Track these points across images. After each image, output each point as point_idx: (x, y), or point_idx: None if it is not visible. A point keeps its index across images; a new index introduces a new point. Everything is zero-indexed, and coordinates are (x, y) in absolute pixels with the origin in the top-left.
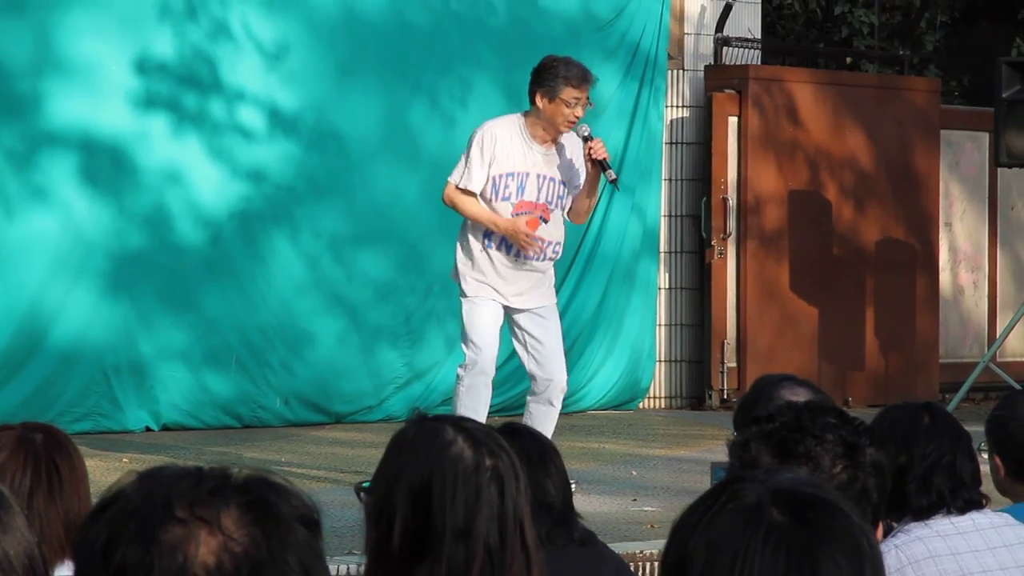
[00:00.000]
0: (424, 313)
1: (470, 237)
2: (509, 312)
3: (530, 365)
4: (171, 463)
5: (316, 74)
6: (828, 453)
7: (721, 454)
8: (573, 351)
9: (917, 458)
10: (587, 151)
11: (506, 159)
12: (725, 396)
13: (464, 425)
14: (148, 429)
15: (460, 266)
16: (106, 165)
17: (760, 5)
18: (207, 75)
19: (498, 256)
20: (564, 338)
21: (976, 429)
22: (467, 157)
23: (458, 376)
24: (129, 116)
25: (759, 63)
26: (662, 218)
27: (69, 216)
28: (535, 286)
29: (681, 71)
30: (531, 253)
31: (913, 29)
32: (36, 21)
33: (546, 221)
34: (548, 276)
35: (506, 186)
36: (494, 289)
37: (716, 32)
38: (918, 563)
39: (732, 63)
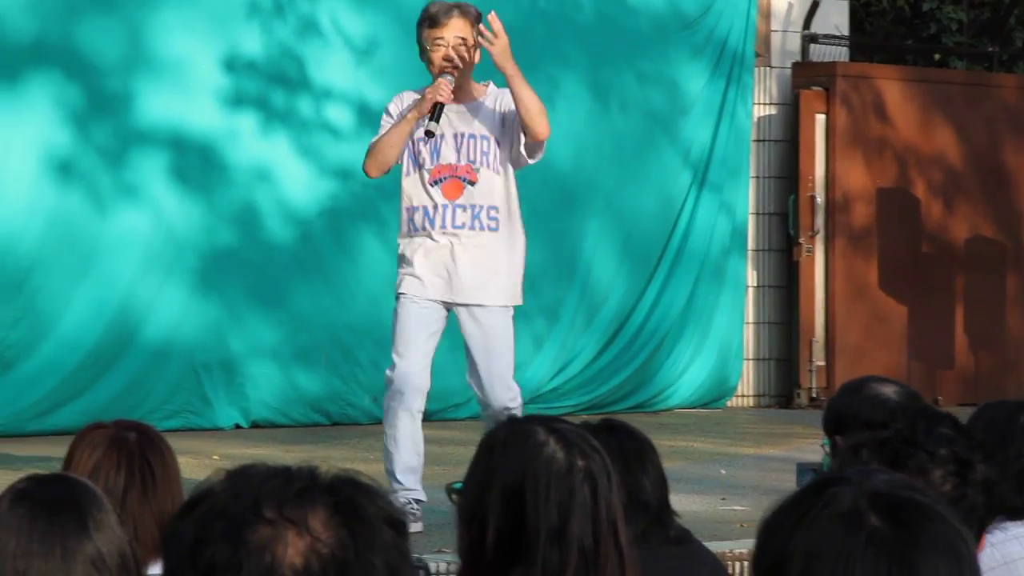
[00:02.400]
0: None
1: (401, 225)
2: (454, 311)
3: (469, 378)
4: (260, 461)
5: (405, 70)
6: (940, 469)
7: (810, 453)
8: (662, 349)
9: (1012, 457)
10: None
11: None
12: (814, 395)
13: (555, 426)
14: (238, 426)
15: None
16: (196, 163)
17: (847, 2)
18: (295, 72)
19: (429, 233)
20: (653, 336)
21: None
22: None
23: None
24: (218, 114)
25: (847, 60)
26: (750, 216)
27: (160, 213)
28: (480, 275)
29: (768, 68)
30: (444, 97)
31: (1002, 25)
32: (127, 19)
33: (472, 183)
34: (502, 270)
35: (419, 152)
36: (425, 281)
37: (803, 29)
38: (1015, 563)
39: (819, 60)
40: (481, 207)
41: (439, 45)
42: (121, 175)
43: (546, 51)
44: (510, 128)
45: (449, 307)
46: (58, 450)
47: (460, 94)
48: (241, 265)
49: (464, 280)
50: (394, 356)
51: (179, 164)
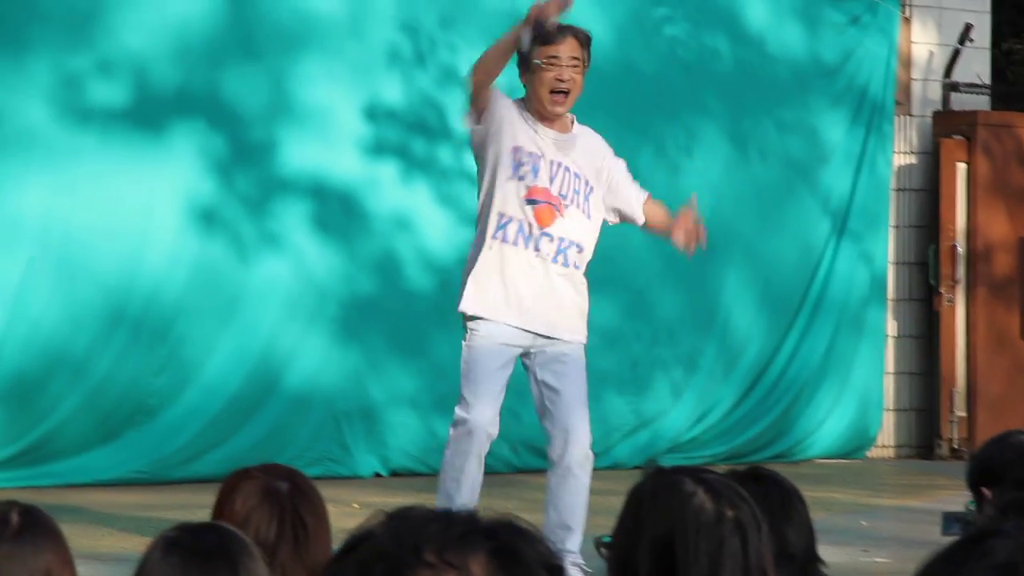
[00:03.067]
0: (650, 360)
1: (480, 234)
2: (524, 349)
3: (544, 421)
4: (419, 505)
5: None
6: None
7: (952, 505)
8: (801, 399)
9: None
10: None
11: (521, 132)
12: (955, 446)
13: (703, 476)
14: (377, 475)
15: (467, 286)
16: (337, 211)
17: (989, 50)
18: (436, 120)
19: (513, 255)
20: (792, 385)
21: None
22: None
23: (450, 436)
24: (359, 162)
25: (988, 109)
26: (889, 265)
27: (301, 261)
28: (560, 308)
29: (909, 117)
30: (552, 13)
31: None
32: (270, 69)
33: (561, 216)
34: (580, 303)
35: (521, 163)
36: (510, 304)
37: (944, 78)
38: None
39: (960, 109)
40: (569, 243)
41: (554, 64)
42: (263, 223)
43: (685, 100)
44: (607, 187)
45: (524, 339)
46: (201, 497)
47: (559, 123)
48: (381, 313)
49: (552, 313)
50: (470, 398)
51: (320, 212)
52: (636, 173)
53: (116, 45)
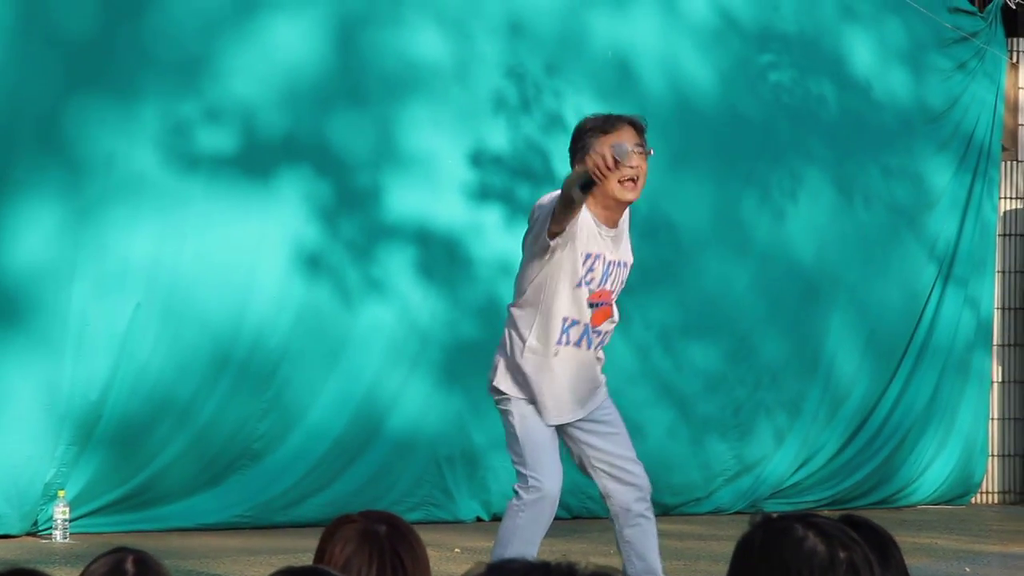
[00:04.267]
0: (753, 405)
1: (541, 333)
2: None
3: (604, 482)
4: (520, 556)
5: (650, 164)
6: None
7: None
8: (905, 444)
9: None
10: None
11: (589, 236)
12: None
13: (812, 520)
14: (479, 519)
15: (506, 376)
16: (441, 256)
17: None
18: (540, 166)
19: (574, 356)
20: (896, 431)
21: None
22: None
23: (517, 505)
24: (463, 208)
25: None
26: (996, 310)
27: (405, 307)
28: (595, 384)
29: (1015, 162)
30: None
31: None
32: (376, 115)
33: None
34: (602, 377)
35: (591, 269)
36: (562, 405)
37: None
38: None
39: None
40: (608, 333)
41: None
42: (368, 269)
43: (790, 145)
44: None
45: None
46: (304, 542)
47: (616, 216)
48: (483, 358)
49: (589, 394)
50: (533, 472)
51: (425, 258)
52: (741, 219)
53: (224, 91)
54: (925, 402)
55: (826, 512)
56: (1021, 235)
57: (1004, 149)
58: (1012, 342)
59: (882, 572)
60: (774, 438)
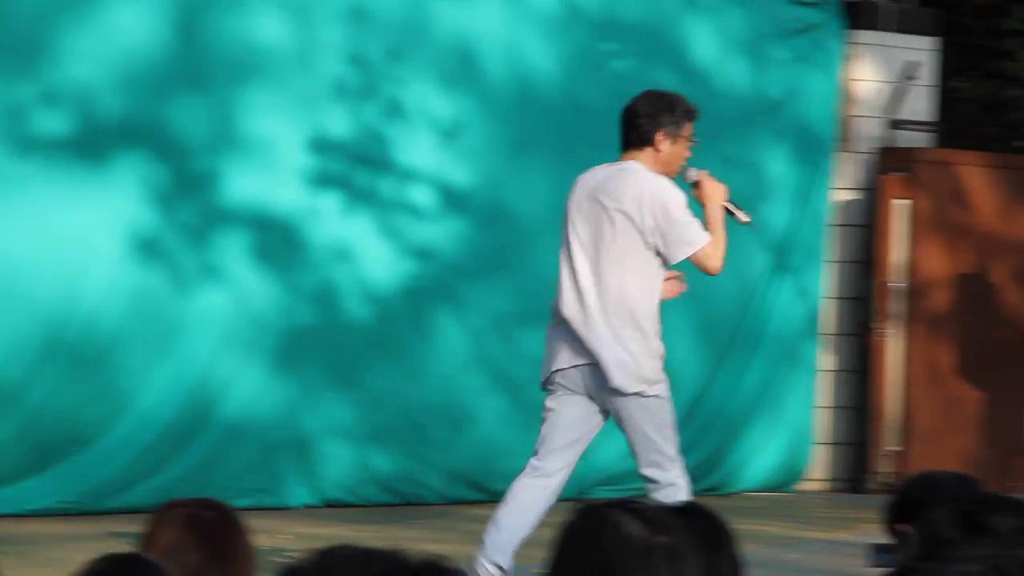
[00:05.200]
0: None
1: (656, 319)
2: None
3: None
4: (347, 543)
5: (489, 152)
6: (1012, 528)
7: (881, 538)
8: (733, 432)
9: None
10: (702, 196)
11: None
12: (886, 479)
13: (631, 506)
14: (311, 506)
15: (653, 361)
16: (278, 242)
17: (933, 88)
18: (379, 153)
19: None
20: (725, 419)
21: None
22: (688, 214)
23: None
24: (301, 194)
25: (930, 146)
26: (826, 300)
27: (241, 292)
28: None
29: (851, 153)
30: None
31: None
32: (216, 99)
33: None
34: None
35: None
36: None
37: (887, 115)
38: None
39: (903, 146)
40: None
41: (691, 143)
42: (204, 253)
43: None
44: None
45: None
46: (133, 527)
47: None
48: (318, 344)
49: None
50: (675, 458)
51: (261, 243)
52: None
53: (62, 74)
54: (754, 390)
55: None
56: (855, 225)
57: (840, 140)
58: (841, 331)
59: (713, 558)
60: (605, 425)
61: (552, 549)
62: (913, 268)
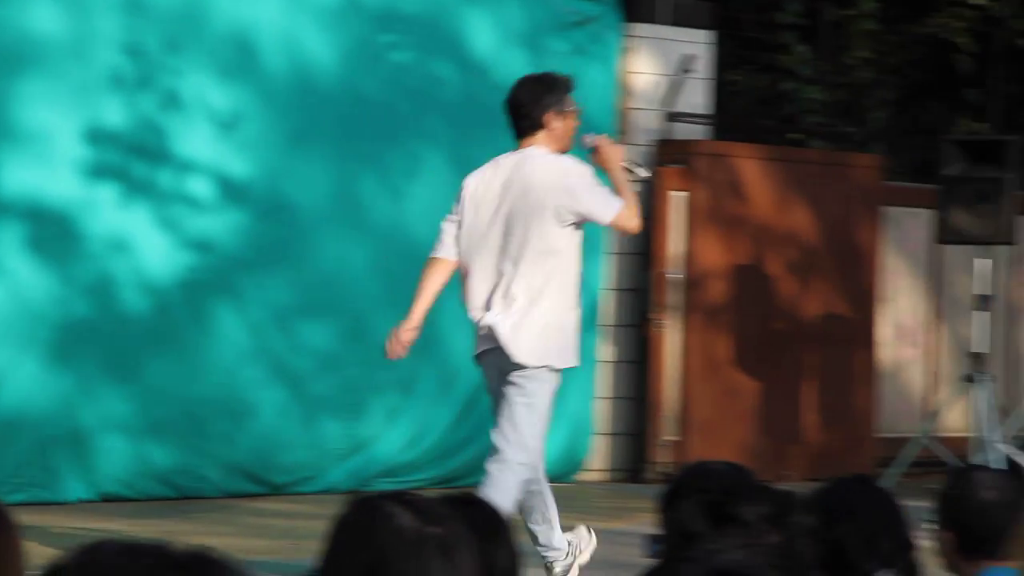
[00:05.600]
0: (367, 384)
1: (571, 293)
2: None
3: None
4: (110, 539)
5: (268, 143)
6: (758, 517)
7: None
8: None
9: (860, 526)
10: (601, 160)
11: None
12: (664, 469)
13: (404, 498)
14: (87, 500)
15: (566, 336)
16: (53, 233)
17: (709, 81)
18: (157, 144)
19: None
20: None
21: (914, 504)
22: (600, 187)
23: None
24: (77, 185)
25: (707, 139)
26: (605, 291)
27: (15, 284)
28: None
29: (628, 145)
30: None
31: (859, 107)
32: None
33: None
34: None
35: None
36: None
37: (664, 107)
38: None
39: (680, 138)
40: None
41: (577, 112)
42: None
43: (410, 126)
44: None
45: None
46: None
47: None
48: (95, 337)
49: None
50: (537, 445)
51: (36, 235)
52: (360, 198)
53: None
54: None
55: (436, 490)
56: None
57: (618, 132)
58: (619, 322)
59: (490, 549)
60: (386, 417)
61: (325, 542)
62: (690, 259)
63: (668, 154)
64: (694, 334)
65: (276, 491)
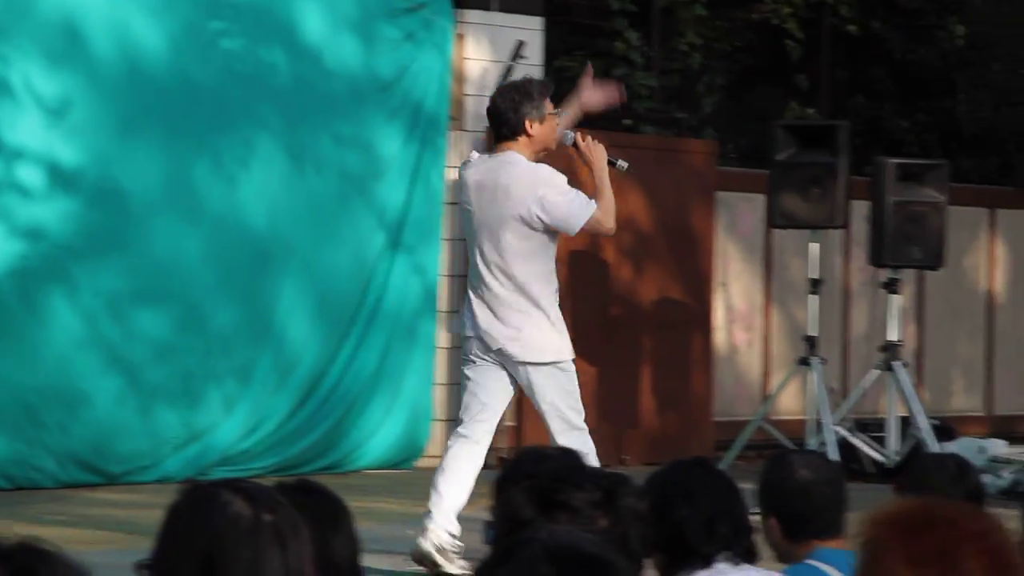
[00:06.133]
0: (204, 372)
1: (551, 291)
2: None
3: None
4: None
5: (98, 130)
6: (588, 502)
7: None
8: (353, 410)
9: (698, 510)
10: (583, 157)
11: None
12: (503, 455)
13: (239, 485)
14: None
15: (555, 331)
16: None
17: (541, 67)
18: None
19: None
20: (344, 397)
21: (751, 487)
22: (570, 189)
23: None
24: None
25: None
26: (443, 277)
27: None
28: None
29: (463, 132)
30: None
31: (691, 92)
32: None
33: None
34: None
35: None
36: None
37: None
38: None
39: None
40: None
41: (556, 115)
42: None
43: (242, 113)
44: None
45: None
46: None
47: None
48: None
49: None
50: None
51: None
52: (193, 185)
53: None
54: (373, 368)
55: (276, 478)
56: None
57: (452, 119)
58: (457, 308)
59: (327, 536)
60: (224, 405)
61: (160, 530)
62: None
63: None
64: None
65: (112, 481)
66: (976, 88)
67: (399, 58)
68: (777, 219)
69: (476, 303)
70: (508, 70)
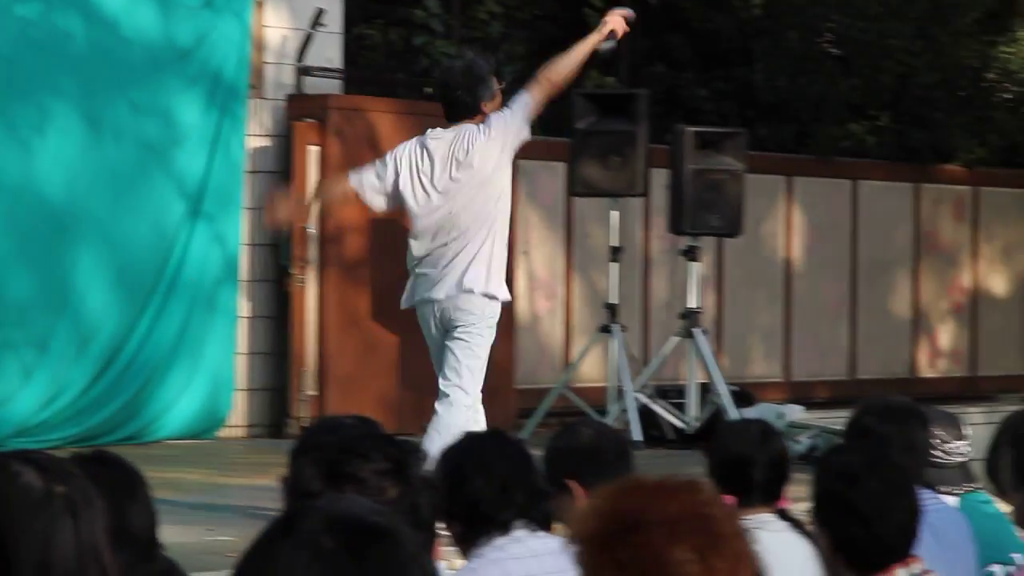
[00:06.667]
0: (0, 344)
1: (507, 233)
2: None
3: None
4: None
5: None
6: (376, 472)
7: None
8: (153, 380)
9: (492, 477)
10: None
11: None
12: (304, 424)
13: (29, 457)
14: None
15: (499, 274)
16: None
17: (342, 35)
18: None
19: None
20: (144, 367)
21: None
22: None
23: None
24: None
25: (340, 93)
26: (243, 246)
27: None
28: None
29: (262, 100)
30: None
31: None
32: None
33: None
34: None
35: None
36: None
37: (297, 61)
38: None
39: (314, 93)
40: None
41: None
42: None
43: (38, 80)
44: None
45: None
46: None
47: None
48: None
49: None
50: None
51: None
52: None
53: None
54: (173, 338)
55: (73, 449)
56: (269, 172)
57: (252, 87)
58: (258, 278)
59: (123, 506)
60: (21, 376)
61: None
62: (326, 214)
63: (302, 108)
64: (331, 289)
65: None
66: (773, 57)
67: (197, 25)
68: (577, 187)
69: None
70: (308, 38)
